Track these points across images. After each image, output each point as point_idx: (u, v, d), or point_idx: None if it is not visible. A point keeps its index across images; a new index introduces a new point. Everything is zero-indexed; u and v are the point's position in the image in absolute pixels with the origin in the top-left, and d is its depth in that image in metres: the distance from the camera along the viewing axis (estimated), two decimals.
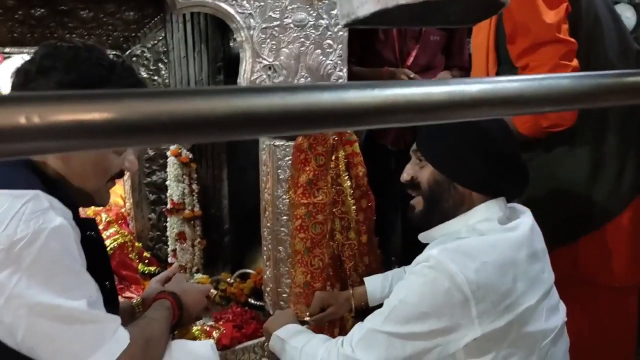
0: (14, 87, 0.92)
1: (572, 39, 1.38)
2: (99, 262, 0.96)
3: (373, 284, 1.43)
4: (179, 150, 2.03)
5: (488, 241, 1.00)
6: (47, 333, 0.85)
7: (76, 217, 0.94)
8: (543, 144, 1.44)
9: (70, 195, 0.97)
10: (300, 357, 1.12)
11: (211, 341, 1.34)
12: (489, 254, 0.97)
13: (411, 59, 2.10)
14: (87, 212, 2.21)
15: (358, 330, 1.04)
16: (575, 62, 1.35)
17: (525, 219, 1.07)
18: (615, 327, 1.47)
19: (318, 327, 1.50)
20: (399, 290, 1.01)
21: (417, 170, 1.13)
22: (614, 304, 1.49)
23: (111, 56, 1.99)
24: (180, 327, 1.18)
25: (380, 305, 1.05)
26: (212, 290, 1.25)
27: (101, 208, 2.31)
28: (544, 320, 1.00)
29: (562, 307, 1.10)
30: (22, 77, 0.92)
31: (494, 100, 0.45)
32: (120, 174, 1.05)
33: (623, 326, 1.51)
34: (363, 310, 1.39)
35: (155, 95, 0.33)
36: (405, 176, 1.14)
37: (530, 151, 1.43)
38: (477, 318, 0.94)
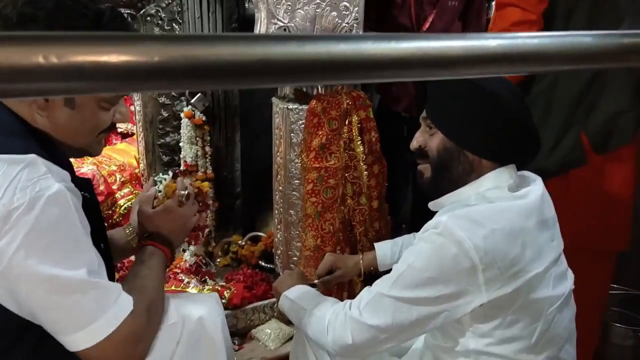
0: None
1: (532, 11, 1.46)
2: (94, 224, 0.93)
3: (383, 249, 1.43)
4: (193, 112, 2.03)
5: (497, 208, 1.00)
6: (47, 302, 0.83)
7: (73, 178, 0.92)
8: None
9: (64, 153, 0.96)
10: (309, 318, 1.14)
11: (215, 293, 1.36)
12: (498, 221, 0.97)
13: (427, 25, 2.06)
14: (102, 172, 2.24)
15: (366, 294, 1.04)
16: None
17: (536, 187, 1.06)
18: (589, 288, 1.50)
19: (326, 290, 1.52)
20: (407, 255, 1.02)
21: (426, 137, 1.11)
22: (591, 267, 1.52)
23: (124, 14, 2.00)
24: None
25: (389, 271, 1.06)
26: (181, 193, 1.16)
27: (116, 169, 2.34)
28: (551, 288, 1.00)
29: (570, 275, 1.10)
30: (0, 25, 0.86)
31: (513, 56, 0.44)
32: (112, 127, 1.02)
33: (598, 288, 1.55)
34: (372, 275, 1.40)
35: (173, 40, 0.33)
36: (414, 144, 1.13)
37: None
38: (484, 285, 0.94)
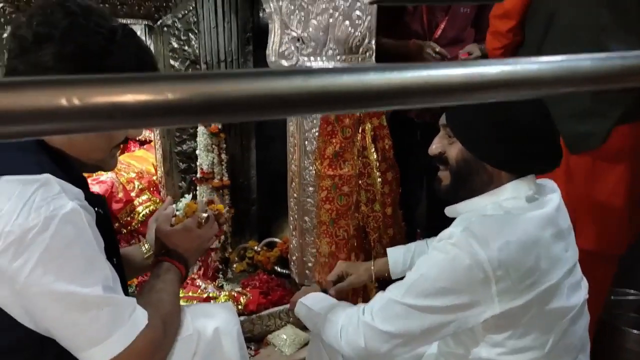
0: (10, 54, 0.88)
1: (508, 35, 1.64)
2: (107, 240, 0.94)
3: (395, 255, 1.44)
4: None
5: (513, 219, 0.99)
6: (63, 320, 0.84)
7: (86, 194, 0.93)
8: None
9: (78, 169, 0.97)
10: (324, 322, 1.15)
11: (229, 303, 1.37)
12: (513, 232, 0.97)
13: (439, 32, 2.07)
14: (120, 179, 2.28)
15: (379, 299, 1.06)
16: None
17: (554, 197, 1.06)
18: (594, 285, 1.52)
19: (340, 297, 1.54)
20: (421, 264, 1.03)
21: (445, 145, 1.11)
22: (597, 268, 1.52)
23: (139, 26, 2.03)
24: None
25: (402, 277, 1.07)
26: (202, 215, 1.19)
27: (134, 176, 2.38)
28: (565, 298, 1.00)
29: (585, 285, 1.10)
30: (17, 46, 0.88)
31: (513, 82, 0.46)
32: (126, 141, 1.02)
33: (600, 283, 1.56)
34: (386, 281, 1.42)
35: (184, 79, 0.35)
36: (433, 149, 1.13)
37: None
38: (496, 296, 0.95)
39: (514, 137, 1.03)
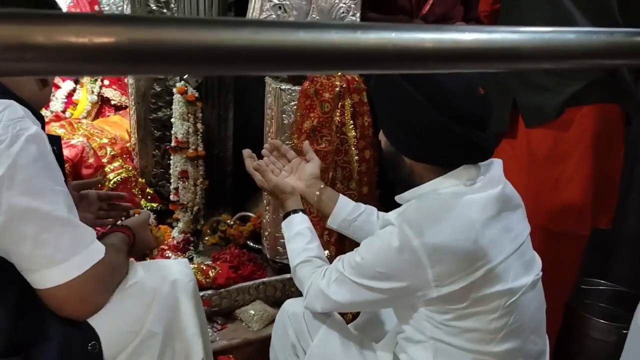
0: None
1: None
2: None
3: (344, 204, 1.34)
4: (185, 88, 2.00)
5: (449, 204, 0.99)
6: (23, 235, 0.84)
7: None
8: None
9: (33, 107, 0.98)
10: (295, 273, 1.23)
11: (185, 259, 1.38)
12: (448, 217, 0.97)
13: (427, 8, 2.01)
14: (92, 144, 2.21)
15: (335, 271, 1.10)
16: None
17: (497, 178, 1.05)
18: (559, 267, 1.50)
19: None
20: (363, 247, 1.06)
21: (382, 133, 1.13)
22: (561, 248, 1.52)
23: None
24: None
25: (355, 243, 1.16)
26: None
27: (107, 142, 2.31)
28: (510, 280, 0.99)
29: (537, 263, 1.09)
30: None
31: (490, 53, 0.42)
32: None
33: (567, 265, 1.56)
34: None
35: (111, 21, 0.30)
36: (379, 137, 1.14)
37: None
38: (433, 281, 0.97)
39: (420, 130, 1.00)
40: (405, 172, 1.08)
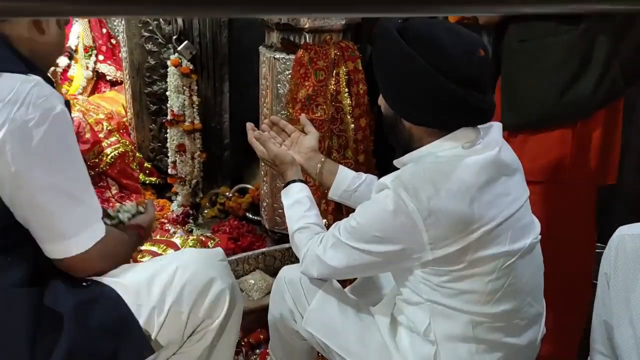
0: None
1: None
2: None
3: (344, 175, 1.34)
4: (180, 60, 1.98)
5: (446, 167, 0.99)
6: (44, 206, 0.93)
7: None
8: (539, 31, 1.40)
9: (44, 71, 1.03)
10: (292, 239, 1.23)
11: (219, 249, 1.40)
12: (444, 180, 0.97)
13: None
14: (88, 120, 2.21)
15: (331, 236, 1.10)
16: None
17: (496, 140, 1.04)
18: (575, 222, 1.46)
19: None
20: (359, 211, 1.06)
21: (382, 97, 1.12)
22: (574, 200, 1.48)
23: None
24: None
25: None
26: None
27: (103, 117, 2.30)
28: (507, 243, 1.00)
29: (535, 226, 1.09)
30: None
31: None
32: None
33: (583, 220, 1.52)
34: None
35: None
36: (378, 101, 1.13)
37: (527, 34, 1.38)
38: (428, 244, 0.97)
39: (421, 92, 0.99)
40: (405, 136, 1.08)
